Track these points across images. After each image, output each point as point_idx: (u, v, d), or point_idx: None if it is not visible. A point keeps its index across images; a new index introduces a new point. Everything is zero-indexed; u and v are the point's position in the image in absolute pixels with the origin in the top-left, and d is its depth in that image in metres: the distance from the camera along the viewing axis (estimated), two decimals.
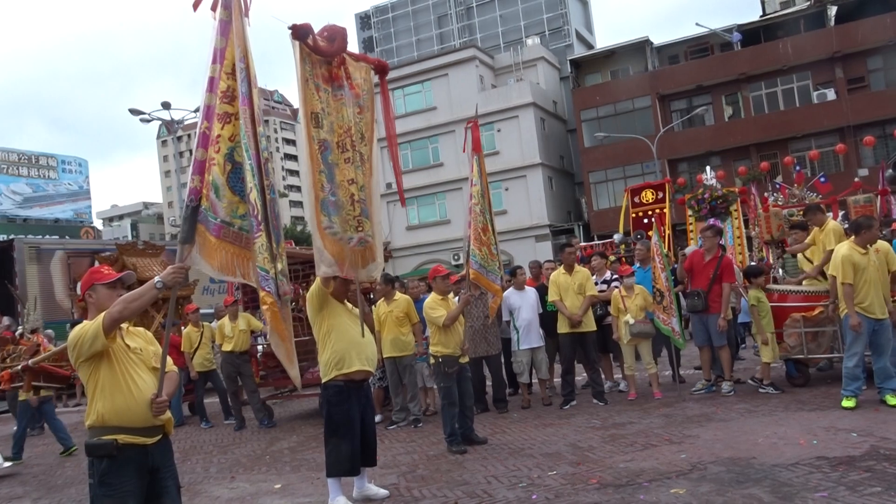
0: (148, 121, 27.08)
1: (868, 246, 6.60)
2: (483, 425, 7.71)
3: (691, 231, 14.44)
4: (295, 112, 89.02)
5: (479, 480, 5.56)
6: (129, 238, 45.32)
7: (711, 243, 8.32)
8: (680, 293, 8.66)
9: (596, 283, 9.15)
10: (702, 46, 34.61)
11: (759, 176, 21.52)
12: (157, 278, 3.35)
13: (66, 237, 32.21)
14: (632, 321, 8.12)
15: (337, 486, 5.30)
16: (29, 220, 40.57)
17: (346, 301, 5.53)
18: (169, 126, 29.84)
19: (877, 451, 5.07)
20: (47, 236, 29.09)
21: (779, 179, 20.78)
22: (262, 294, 3.88)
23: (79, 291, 3.74)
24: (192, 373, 10.22)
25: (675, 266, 9.35)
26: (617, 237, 17.51)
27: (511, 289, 8.78)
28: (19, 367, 8.37)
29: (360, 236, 4.94)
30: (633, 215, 17.01)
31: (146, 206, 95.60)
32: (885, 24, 29.07)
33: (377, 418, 8.69)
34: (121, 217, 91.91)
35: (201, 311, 11.06)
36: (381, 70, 5.39)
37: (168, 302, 4.04)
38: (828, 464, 4.89)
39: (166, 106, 26.26)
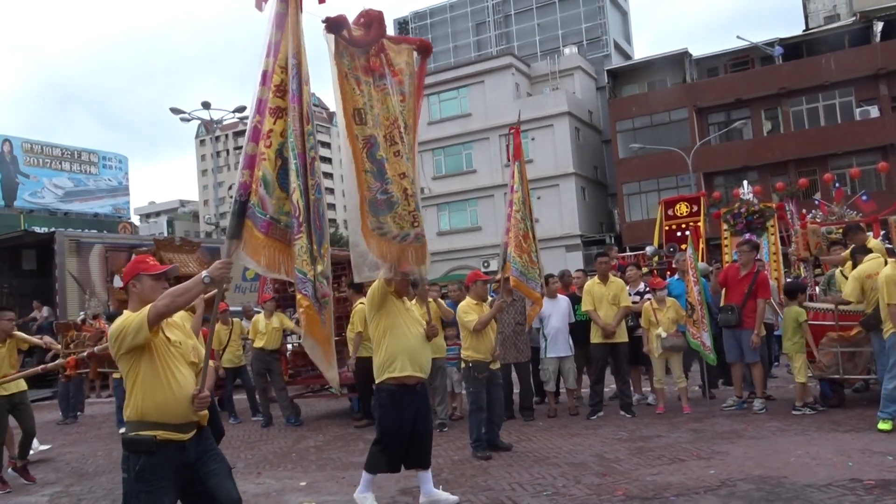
0: (188, 120, 27.57)
1: None
2: (509, 432, 7.67)
3: (726, 246, 14.23)
4: (331, 115, 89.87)
5: (504, 487, 5.55)
6: (165, 234, 46.17)
7: (748, 258, 8.20)
8: (711, 307, 8.55)
9: (630, 295, 9.08)
10: (742, 59, 34.17)
11: (797, 192, 21.15)
12: (204, 273, 3.28)
13: (105, 231, 32.90)
14: (664, 334, 8.04)
15: (369, 483, 5.26)
16: (69, 214, 41.44)
17: (405, 300, 5.42)
18: (207, 125, 30.35)
19: None
20: (87, 230, 29.73)
21: (817, 196, 20.41)
22: (298, 297, 3.78)
23: (120, 281, 3.82)
24: (219, 371, 10.37)
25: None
26: (649, 249, 17.32)
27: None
28: (85, 353, 8.57)
29: (417, 232, 4.73)
30: (667, 228, 16.80)
31: (182, 203, 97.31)
32: None
33: None
34: (157, 214, 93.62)
35: (231, 308, 11.22)
36: (424, 50, 5.09)
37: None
38: (861, 486, 4.78)
39: (206, 105, 26.74)
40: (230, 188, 71.11)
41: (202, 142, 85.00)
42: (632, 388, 8.74)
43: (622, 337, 8.26)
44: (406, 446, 5.16)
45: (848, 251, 7.94)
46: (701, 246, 15.00)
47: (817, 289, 10.14)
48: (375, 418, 5.45)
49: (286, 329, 10.01)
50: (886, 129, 29.07)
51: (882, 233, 12.02)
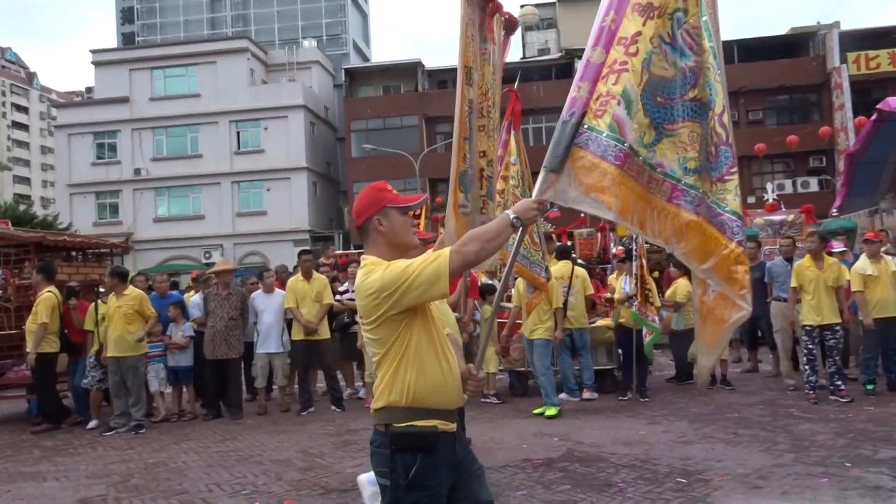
0: None
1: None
2: (214, 432, 7.37)
3: None
4: (30, 75, 78.64)
5: (200, 489, 5.28)
6: None
7: None
8: None
9: (347, 291, 9.25)
10: None
11: None
12: (510, 213, 2.51)
13: None
14: None
15: None
16: None
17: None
18: None
19: (571, 453, 5.73)
20: None
21: None
22: (735, 251, 2.83)
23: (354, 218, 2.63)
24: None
25: None
26: None
27: (259, 291, 8.53)
28: None
29: (483, 220, 4.17)
30: None
31: None
32: None
33: (92, 424, 7.91)
34: None
35: None
36: (510, 27, 4.65)
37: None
38: (531, 465, 5.42)
39: None
40: None
41: None
42: (344, 383, 8.91)
43: (324, 334, 8.33)
44: None
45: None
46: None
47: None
48: None
49: None
50: None
51: (569, 243, 13.81)
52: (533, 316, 7.49)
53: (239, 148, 33.35)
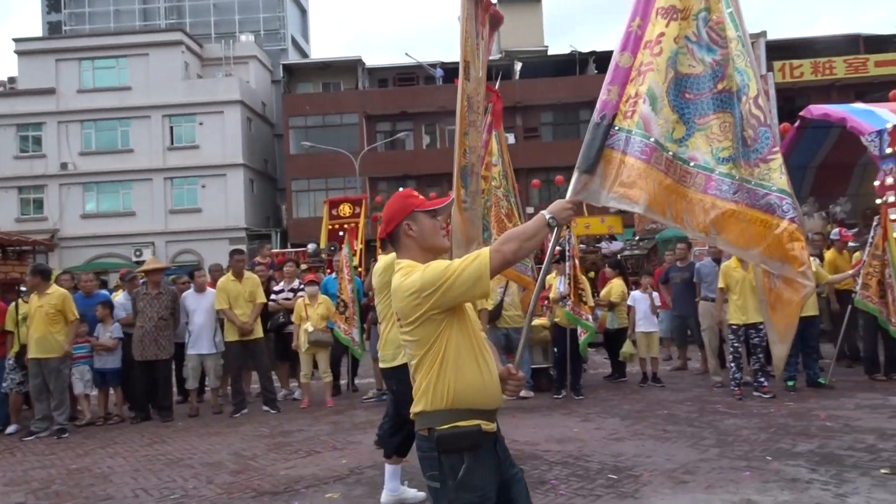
0: None
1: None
2: (142, 435, 7.15)
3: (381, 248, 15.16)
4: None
5: (126, 494, 5.12)
6: None
7: None
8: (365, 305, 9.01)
9: (282, 290, 9.11)
10: (409, 76, 36.82)
11: None
12: (546, 213, 2.51)
13: None
14: (311, 329, 8.20)
15: (398, 474, 4.68)
16: None
17: None
18: None
19: None
20: None
21: None
22: (789, 228, 2.82)
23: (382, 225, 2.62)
24: None
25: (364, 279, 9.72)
26: (311, 247, 17.68)
27: (190, 290, 8.31)
28: None
29: (470, 216, 4.28)
30: (330, 227, 17.32)
31: None
32: (556, 86, 34.08)
33: (11, 429, 7.56)
34: None
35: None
36: (495, 22, 4.59)
37: None
38: None
39: None
40: None
41: None
42: (279, 384, 8.77)
43: (258, 334, 8.17)
44: None
45: None
46: (360, 246, 15.76)
47: None
48: (400, 402, 4.50)
49: None
50: (518, 155, 33.89)
51: None
52: None
53: (172, 143, 32.40)
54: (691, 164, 2.91)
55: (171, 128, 32.51)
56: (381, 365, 4.66)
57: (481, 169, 6.27)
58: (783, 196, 2.86)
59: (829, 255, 9.36)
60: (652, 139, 2.84)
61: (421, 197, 2.67)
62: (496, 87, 6.57)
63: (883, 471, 4.79)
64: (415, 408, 2.49)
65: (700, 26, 2.98)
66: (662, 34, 2.93)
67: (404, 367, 4.38)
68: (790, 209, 2.86)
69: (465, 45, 4.25)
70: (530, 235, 2.46)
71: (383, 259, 4.52)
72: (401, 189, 2.81)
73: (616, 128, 2.87)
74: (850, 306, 8.36)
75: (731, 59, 2.93)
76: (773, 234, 2.84)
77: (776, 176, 2.88)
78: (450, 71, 35.52)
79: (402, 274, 2.47)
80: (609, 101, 2.90)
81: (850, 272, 8.35)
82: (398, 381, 4.42)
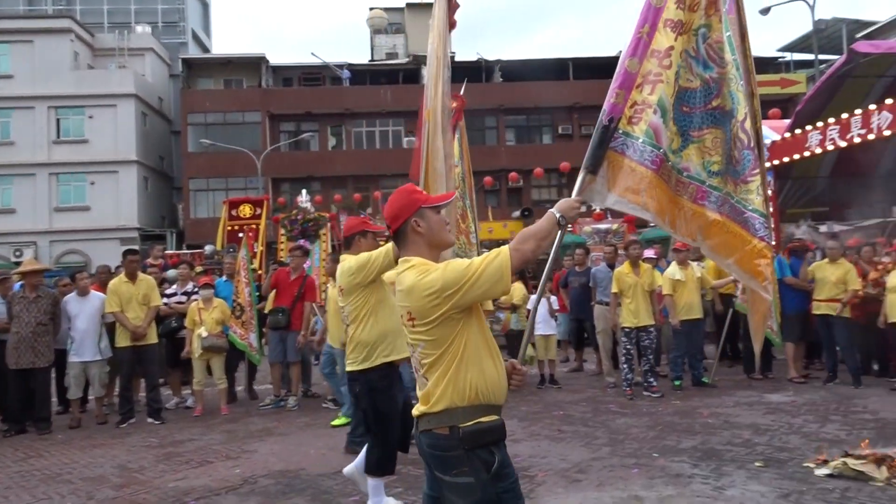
0: None
1: None
2: (15, 449, 6.66)
3: (282, 250, 14.83)
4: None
5: None
6: None
7: (298, 263, 8.66)
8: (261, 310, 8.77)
9: (176, 294, 8.75)
10: (315, 75, 36.25)
11: (353, 205, 23.26)
12: (556, 212, 2.58)
13: None
14: (205, 334, 7.89)
15: (381, 488, 4.42)
16: None
17: None
18: None
19: (405, 456, 5.75)
20: None
21: (369, 211, 22.79)
22: (760, 246, 3.17)
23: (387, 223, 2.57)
24: None
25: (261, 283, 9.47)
26: (208, 248, 17.08)
27: (73, 294, 7.82)
28: None
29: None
30: (229, 228, 16.78)
31: None
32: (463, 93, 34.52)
33: None
34: None
35: None
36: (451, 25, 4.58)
37: None
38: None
39: None
40: None
41: None
42: (171, 392, 8.39)
43: (152, 339, 7.81)
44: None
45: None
46: (260, 248, 15.35)
47: None
48: (365, 408, 4.52)
49: None
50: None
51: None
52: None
53: (59, 136, 30.50)
54: (684, 174, 3.15)
55: (58, 120, 30.61)
56: (348, 368, 4.60)
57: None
58: (757, 216, 3.18)
59: (711, 261, 9.90)
60: (661, 150, 3.03)
61: (425, 192, 2.72)
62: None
63: (757, 464, 5.11)
64: (433, 407, 2.43)
65: (699, 42, 3.17)
66: (671, 48, 3.09)
67: (375, 369, 4.45)
68: (762, 228, 3.19)
69: (438, 45, 4.44)
70: (546, 234, 2.51)
71: (352, 259, 4.45)
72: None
73: (620, 131, 3.03)
74: (731, 309, 8.88)
75: (728, 80, 3.18)
76: (746, 249, 3.18)
77: (753, 197, 3.18)
78: (357, 73, 35.28)
79: (418, 272, 2.43)
80: (617, 104, 3.04)
81: (732, 277, 8.86)
82: (366, 383, 4.45)
